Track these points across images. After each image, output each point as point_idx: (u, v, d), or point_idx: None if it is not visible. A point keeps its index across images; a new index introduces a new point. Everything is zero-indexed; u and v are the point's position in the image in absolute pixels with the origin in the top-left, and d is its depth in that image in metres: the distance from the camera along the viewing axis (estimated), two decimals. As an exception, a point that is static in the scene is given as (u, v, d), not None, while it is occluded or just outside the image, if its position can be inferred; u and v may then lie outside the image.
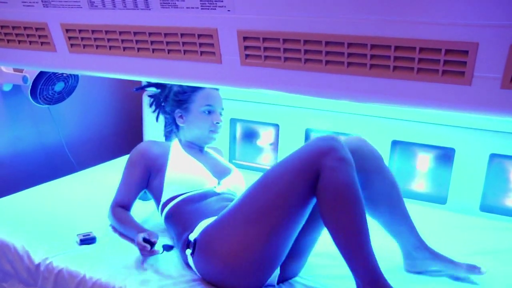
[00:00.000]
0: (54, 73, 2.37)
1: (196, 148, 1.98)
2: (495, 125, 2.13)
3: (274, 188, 1.41)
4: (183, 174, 1.80)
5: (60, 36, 1.56)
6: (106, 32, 1.48)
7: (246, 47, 1.33)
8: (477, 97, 1.22)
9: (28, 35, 1.64)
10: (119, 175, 2.26)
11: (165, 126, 2.08)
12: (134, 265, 1.63)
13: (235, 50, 1.35)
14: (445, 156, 2.20)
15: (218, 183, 1.86)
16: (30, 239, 1.77)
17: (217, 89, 1.99)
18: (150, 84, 2.10)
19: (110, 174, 2.41)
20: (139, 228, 1.74)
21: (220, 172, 1.93)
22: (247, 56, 1.34)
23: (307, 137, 2.50)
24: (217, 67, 1.39)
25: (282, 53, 1.30)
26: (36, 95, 2.37)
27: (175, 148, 1.92)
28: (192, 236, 1.58)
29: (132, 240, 1.76)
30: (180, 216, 1.73)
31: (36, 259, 1.69)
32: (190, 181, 1.79)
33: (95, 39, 1.51)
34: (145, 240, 1.61)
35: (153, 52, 1.45)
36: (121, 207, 1.89)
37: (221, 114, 1.97)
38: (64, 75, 2.42)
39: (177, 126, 2.00)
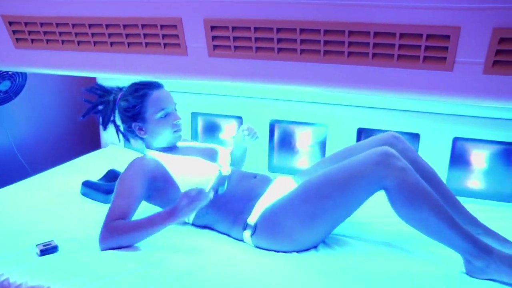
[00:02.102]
0: (-1, 71, 2.16)
1: (173, 148, 1.92)
2: (458, 109, 2.12)
3: (337, 185, 1.55)
4: (193, 175, 1.77)
5: (3, 29, 1.38)
6: (57, 24, 1.31)
7: (214, 37, 1.22)
8: (459, 83, 1.17)
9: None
10: (77, 177, 2.11)
11: (127, 142, 1.98)
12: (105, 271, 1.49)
13: (202, 41, 1.23)
14: (411, 141, 2.16)
15: (219, 165, 1.87)
16: (-17, 254, 1.60)
17: (162, 86, 1.86)
18: (94, 106, 1.93)
19: (68, 177, 2.25)
20: (158, 214, 1.63)
21: (210, 156, 1.92)
22: (215, 47, 1.23)
23: (271, 128, 2.41)
24: (183, 60, 1.27)
25: (253, 43, 1.19)
26: (-20, 96, 2.16)
27: (161, 156, 1.84)
28: (251, 220, 1.68)
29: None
30: (220, 208, 1.75)
31: (-10, 276, 1.51)
32: (202, 177, 1.77)
33: (45, 32, 1.35)
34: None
35: (111, 45, 1.31)
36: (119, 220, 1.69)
37: (176, 110, 1.89)
38: (10, 73, 2.21)
39: (141, 138, 1.90)
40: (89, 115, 1.94)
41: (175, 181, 1.76)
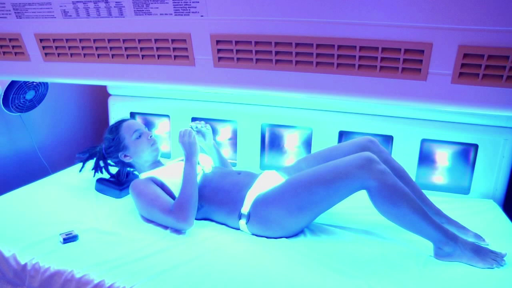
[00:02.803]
0: (25, 82, 2.12)
1: (159, 164, 1.95)
2: (425, 114, 2.13)
3: (324, 182, 1.55)
4: (180, 178, 1.77)
5: (34, 45, 1.37)
6: (81, 40, 1.30)
7: (219, 50, 1.20)
8: (431, 91, 1.17)
9: (1, 46, 1.42)
10: (91, 175, 2.08)
11: (121, 173, 2.01)
12: (119, 257, 1.48)
13: (208, 53, 1.22)
14: (385, 142, 2.17)
15: (201, 165, 1.89)
16: (14, 242, 1.56)
17: (130, 119, 2.00)
18: (87, 159, 2.08)
19: (83, 175, 2.18)
20: (183, 171, 1.75)
21: None
22: (220, 58, 1.21)
23: (262, 131, 2.40)
24: (191, 70, 1.26)
25: (254, 55, 1.18)
26: (8, 103, 2.11)
27: (152, 173, 1.85)
28: (244, 210, 1.67)
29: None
30: (212, 200, 1.75)
31: (22, 260, 1.48)
32: None
33: (70, 47, 1.33)
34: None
35: (127, 58, 1.29)
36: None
37: (148, 130, 1.97)
38: (35, 83, 2.18)
39: (129, 164, 1.95)
40: (84, 166, 2.07)
41: (167, 186, 1.78)
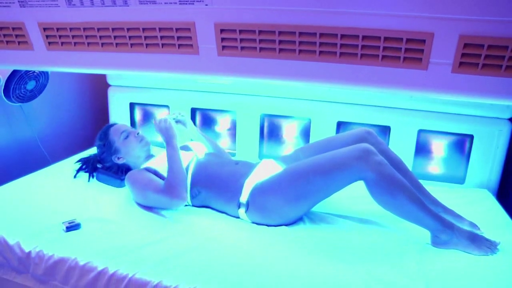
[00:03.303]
0: (25, 73, 2.10)
1: (150, 157, 1.98)
2: (422, 105, 2.14)
3: (322, 172, 1.56)
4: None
5: (38, 34, 1.35)
6: (84, 29, 1.29)
7: (223, 39, 1.20)
8: (432, 80, 1.18)
9: (4, 35, 1.41)
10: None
11: (117, 173, 2.01)
12: (121, 245, 1.49)
13: (212, 42, 1.22)
14: (383, 132, 2.19)
15: (194, 152, 1.94)
16: (18, 230, 1.57)
17: (116, 123, 2.03)
18: (80, 168, 2.11)
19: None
20: (167, 154, 1.79)
21: (186, 149, 1.98)
22: (224, 47, 1.21)
23: (261, 121, 2.40)
24: (195, 58, 1.26)
25: (257, 44, 1.18)
26: (9, 94, 2.10)
27: (146, 165, 1.88)
28: (242, 198, 1.68)
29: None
30: (209, 187, 1.77)
31: (26, 248, 1.49)
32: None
33: (73, 36, 1.32)
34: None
35: (131, 46, 1.29)
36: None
37: (134, 128, 2.03)
38: (35, 74, 2.16)
39: (124, 164, 1.98)
40: (78, 174, 2.09)
41: (161, 173, 1.81)
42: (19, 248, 1.50)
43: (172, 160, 1.75)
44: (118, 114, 2.66)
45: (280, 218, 1.66)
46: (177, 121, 1.97)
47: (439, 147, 2.20)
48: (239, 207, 1.70)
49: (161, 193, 1.71)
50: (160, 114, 1.97)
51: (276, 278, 1.32)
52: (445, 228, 1.52)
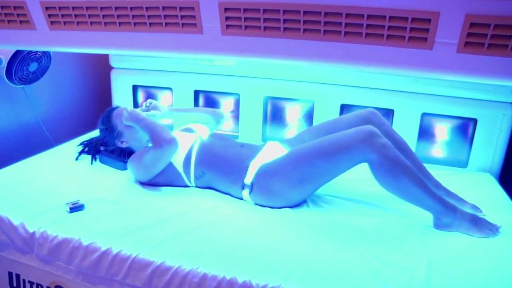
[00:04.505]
0: (28, 54, 2.09)
1: None
2: (426, 88, 2.13)
3: (326, 155, 1.56)
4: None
5: (40, 14, 1.34)
6: (87, 8, 1.28)
7: (227, 18, 1.19)
8: (437, 60, 1.17)
9: (6, 14, 1.39)
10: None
11: (121, 156, 2.01)
12: (124, 226, 1.50)
13: (216, 21, 1.20)
14: (386, 115, 2.17)
15: (198, 133, 1.94)
16: (22, 211, 1.57)
17: (118, 107, 2.03)
18: (83, 150, 2.12)
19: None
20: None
21: (188, 131, 1.98)
22: (228, 26, 1.20)
23: (265, 104, 2.40)
24: (198, 38, 1.24)
25: (262, 23, 1.17)
26: (11, 76, 2.09)
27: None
28: (247, 180, 1.69)
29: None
30: (213, 167, 1.77)
31: (31, 228, 1.50)
32: (185, 145, 1.83)
33: (76, 15, 1.31)
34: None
35: (134, 26, 1.28)
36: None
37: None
38: (38, 55, 2.15)
39: (127, 148, 1.98)
40: (80, 156, 2.10)
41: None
42: (24, 229, 1.50)
43: (147, 125, 1.81)
44: (121, 97, 2.66)
45: (284, 200, 1.67)
46: (147, 110, 2.01)
47: (443, 130, 2.19)
48: (243, 189, 1.70)
49: (152, 149, 1.75)
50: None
51: (279, 259, 1.33)
52: (448, 210, 1.52)
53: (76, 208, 1.60)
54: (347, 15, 1.11)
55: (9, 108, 2.32)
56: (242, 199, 1.73)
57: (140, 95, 2.67)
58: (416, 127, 2.18)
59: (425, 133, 2.20)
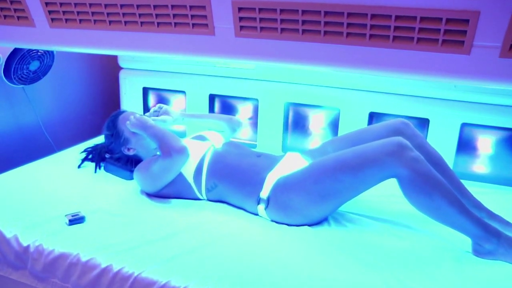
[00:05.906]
0: (28, 51, 2.14)
1: None
2: (466, 96, 2.10)
3: (350, 169, 1.55)
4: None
5: (39, 9, 1.38)
6: (91, 5, 1.31)
7: (241, 18, 1.21)
8: (475, 66, 1.16)
9: (2, 9, 1.43)
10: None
11: (127, 165, 2.05)
12: (127, 240, 1.52)
13: (229, 22, 1.22)
14: (420, 126, 2.15)
15: (211, 142, 1.97)
16: (16, 222, 1.60)
17: (125, 111, 2.07)
18: (87, 157, 2.18)
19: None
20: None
21: (201, 139, 2.02)
22: (241, 27, 1.22)
23: (286, 110, 2.40)
24: (210, 39, 1.26)
25: (278, 24, 1.18)
26: (10, 74, 2.14)
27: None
28: (263, 194, 1.69)
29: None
30: (226, 179, 1.79)
31: (24, 241, 1.53)
32: (197, 154, 1.86)
33: (78, 12, 1.34)
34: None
35: (141, 25, 1.30)
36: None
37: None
38: (39, 53, 2.20)
39: (134, 156, 2.01)
40: (83, 163, 2.16)
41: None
42: (17, 242, 1.53)
43: (156, 134, 1.83)
44: (130, 100, 2.71)
45: (303, 217, 1.67)
46: (157, 115, 2.05)
47: (486, 143, 2.16)
48: (258, 203, 1.71)
49: (160, 159, 1.78)
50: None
51: (295, 282, 1.32)
52: (490, 235, 1.49)
53: (76, 220, 1.63)
54: (373, 16, 1.12)
55: (7, 110, 2.37)
56: (257, 214, 1.74)
57: (151, 99, 2.71)
58: (454, 139, 2.15)
59: (465, 146, 2.17)
